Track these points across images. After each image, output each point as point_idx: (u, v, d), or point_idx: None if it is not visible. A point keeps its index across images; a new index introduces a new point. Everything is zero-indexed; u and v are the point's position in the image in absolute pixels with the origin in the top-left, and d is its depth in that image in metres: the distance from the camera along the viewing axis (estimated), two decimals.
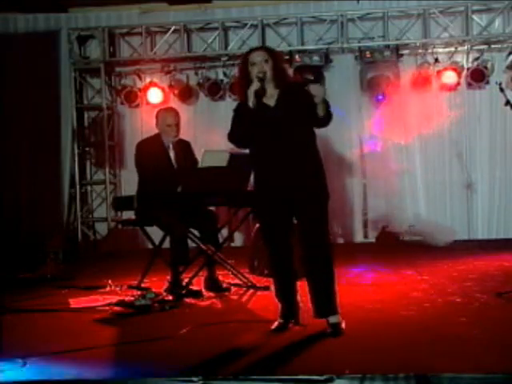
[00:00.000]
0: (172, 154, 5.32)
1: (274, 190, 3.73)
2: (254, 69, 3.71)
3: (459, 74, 8.32)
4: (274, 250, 3.80)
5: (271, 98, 3.76)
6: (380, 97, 8.40)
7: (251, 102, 3.66)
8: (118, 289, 5.33)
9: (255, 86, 3.66)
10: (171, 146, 5.31)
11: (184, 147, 5.38)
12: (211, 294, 5.03)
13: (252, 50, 3.84)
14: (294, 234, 3.81)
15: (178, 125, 5.31)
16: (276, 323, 3.77)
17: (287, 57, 8.43)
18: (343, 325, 3.67)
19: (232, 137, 3.85)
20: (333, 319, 3.67)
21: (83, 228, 8.91)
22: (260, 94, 3.67)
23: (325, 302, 3.69)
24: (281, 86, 3.77)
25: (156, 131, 5.41)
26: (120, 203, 5.59)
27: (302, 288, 3.85)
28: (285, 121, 3.69)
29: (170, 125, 5.26)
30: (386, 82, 8.33)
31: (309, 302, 3.78)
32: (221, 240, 5.47)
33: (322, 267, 3.70)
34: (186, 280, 5.06)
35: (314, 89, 3.68)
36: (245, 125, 3.75)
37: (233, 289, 5.22)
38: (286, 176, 3.69)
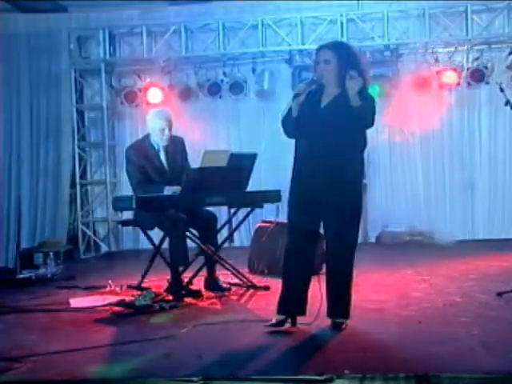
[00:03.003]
0: (162, 155, 5.30)
1: (307, 191, 3.71)
2: (317, 67, 3.73)
3: (459, 74, 8.31)
4: (296, 245, 3.75)
5: (328, 97, 3.73)
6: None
7: (292, 99, 3.69)
8: (117, 289, 5.33)
9: (298, 89, 3.70)
10: (161, 146, 5.30)
11: (176, 145, 5.34)
12: (211, 294, 5.03)
13: (321, 47, 3.80)
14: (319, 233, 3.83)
15: (170, 128, 5.29)
16: (274, 320, 3.74)
17: (287, 57, 8.45)
18: (344, 325, 3.72)
19: (282, 123, 3.85)
20: (339, 319, 3.74)
21: (83, 228, 8.90)
22: (298, 98, 3.68)
23: (338, 304, 3.76)
24: (343, 87, 3.68)
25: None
26: (120, 203, 5.57)
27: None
28: (329, 125, 3.66)
29: (162, 128, 5.24)
30: (385, 82, 8.33)
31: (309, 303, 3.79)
32: (221, 240, 5.46)
33: (343, 276, 3.75)
34: (186, 280, 5.05)
35: (351, 81, 3.60)
36: (288, 118, 3.77)
37: (233, 289, 5.22)
38: (321, 180, 3.66)
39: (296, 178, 3.80)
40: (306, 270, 3.78)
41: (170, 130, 5.27)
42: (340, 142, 3.67)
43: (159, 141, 5.25)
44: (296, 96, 3.69)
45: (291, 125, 3.77)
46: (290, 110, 3.78)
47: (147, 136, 5.34)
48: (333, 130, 3.66)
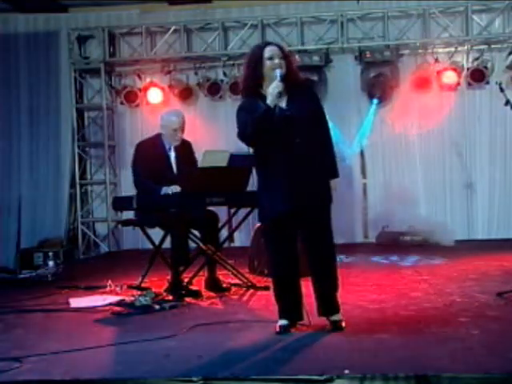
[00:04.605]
0: (172, 156, 5.30)
1: (281, 194, 3.63)
2: (272, 63, 3.61)
3: (459, 74, 8.32)
4: (279, 252, 3.73)
5: (282, 98, 3.67)
6: (376, 101, 8.43)
7: (271, 101, 3.55)
8: (117, 289, 5.32)
9: (279, 86, 3.56)
10: (172, 147, 5.30)
11: (185, 148, 5.36)
12: (211, 294, 5.03)
13: (267, 44, 3.74)
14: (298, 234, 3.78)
15: (183, 129, 5.30)
16: (278, 327, 3.70)
17: None
18: (343, 323, 3.69)
19: (244, 135, 3.64)
20: (334, 317, 3.71)
21: (83, 228, 8.91)
22: (280, 95, 3.59)
23: (330, 301, 3.72)
24: (291, 87, 3.69)
25: (156, 131, 5.40)
26: (120, 203, 5.58)
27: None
28: (297, 123, 3.61)
29: (175, 129, 5.24)
30: (385, 82, 8.35)
31: (308, 303, 3.79)
32: (221, 240, 5.47)
33: (328, 271, 3.72)
34: (186, 280, 5.06)
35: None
36: (260, 122, 3.56)
37: (233, 289, 5.22)
38: (295, 181, 3.61)
39: (267, 185, 3.71)
40: (294, 275, 3.76)
41: (182, 131, 5.28)
42: (308, 140, 3.63)
43: (171, 141, 5.25)
44: (279, 95, 3.57)
45: (258, 130, 3.58)
46: (244, 119, 3.63)
47: (159, 135, 5.34)
48: (300, 129, 3.61)
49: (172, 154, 5.30)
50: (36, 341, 3.76)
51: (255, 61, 3.67)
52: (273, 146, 3.63)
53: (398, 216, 8.43)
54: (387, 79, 8.33)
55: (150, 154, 5.20)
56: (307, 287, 3.84)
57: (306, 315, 3.78)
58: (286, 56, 3.71)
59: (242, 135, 3.65)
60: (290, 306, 3.76)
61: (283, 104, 3.66)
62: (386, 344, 3.39)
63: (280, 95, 3.58)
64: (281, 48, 3.74)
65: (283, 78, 3.60)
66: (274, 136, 3.60)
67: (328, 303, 3.73)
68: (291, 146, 3.61)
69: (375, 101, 8.44)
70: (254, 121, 3.57)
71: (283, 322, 3.72)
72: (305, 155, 3.63)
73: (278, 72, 3.59)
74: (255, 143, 3.72)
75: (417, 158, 8.65)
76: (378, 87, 8.35)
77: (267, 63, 3.64)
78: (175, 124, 5.23)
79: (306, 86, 3.89)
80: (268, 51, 3.66)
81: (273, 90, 3.56)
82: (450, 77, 8.31)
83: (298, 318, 3.76)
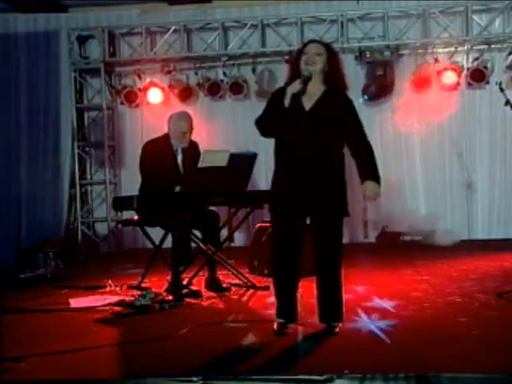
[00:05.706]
0: (179, 157, 5.30)
1: (293, 195, 3.63)
2: (305, 58, 3.64)
3: (459, 74, 8.32)
4: (283, 249, 3.72)
5: (311, 98, 3.66)
6: (366, 97, 8.42)
7: (287, 102, 3.57)
8: (117, 289, 5.33)
9: (296, 87, 3.57)
10: (179, 148, 5.30)
11: (192, 149, 5.34)
12: (211, 294, 5.03)
13: (309, 41, 3.79)
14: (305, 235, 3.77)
15: (191, 131, 5.30)
16: (276, 324, 3.71)
17: (287, 57, 8.45)
18: (337, 329, 3.66)
19: (259, 122, 3.73)
20: (336, 323, 3.70)
21: (83, 228, 8.91)
22: (297, 97, 3.57)
23: (334, 309, 3.72)
24: (327, 87, 3.69)
25: (160, 132, 5.40)
26: (120, 203, 5.58)
27: (302, 288, 3.85)
28: (315, 128, 3.60)
29: (184, 132, 5.25)
30: (385, 82, 8.34)
31: (309, 303, 3.79)
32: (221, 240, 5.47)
33: (334, 277, 3.73)
34: (186, 280, 5.06)
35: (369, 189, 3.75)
36: (274, 115, 3.64)
37: (233, 289, 5.22)
38: (307, 184, 3.61)
39: (279, 183, 3.73)
40: (294, 275, 3.76)
41: (190, 133, 5.28)
42: (324, 147, 3.63)
43: (179, 143, 5.25)
44: (293, 97, 3.58)
45: (271, 122, 3.67)
46: (267, 107, 3.73)
47: (166, 135, 5.33)
48: (317, 135, 3.61)
49: (179, 155, 5.30)
50: (36, 341, 3.76)
51: (296, 55, 3.75)
52: (286, 143, 3.67)
53: (398, 216, 8.43)
54: (384, 79, 8.33)
55: (157, 153, 5.20)
56: (307, 287, 3.85)
57: (300, 315, 3.78)
58: (330, 55, 3.71)
59: (257, 123, 3.75)
60: (286, 305, 3.76)
61: (308, 105, 3.65)
62: (386, 344, 3.39)
63: (294, 96, 3.57)
64: (326, 45, 3.76)
65: (305, 79, 3.59)
66: (287, 134, 3.63)
67: (331, 309, 3.72)
68: (302, 149, 3.60)
69: (365, 97, 8.42)
70: (266, 115, 3.69)
71: (280, 320, 3.73)
72: (314, 158, 3.62)
73: (303, 71, 3.63)
74: (266, 136, 3.77)
75: (417, 158, 8.64)
76: (373, 86, 8.35)
77: (303, 58, 3.67)
78: (184, 128, 5.24)
79: (343, 93, 3.77)
80: (308, 47, 3.71)
81: (289, 89, 3.59)
82: (449, 77, 8.30)
83: (294, 317, 3.76)
